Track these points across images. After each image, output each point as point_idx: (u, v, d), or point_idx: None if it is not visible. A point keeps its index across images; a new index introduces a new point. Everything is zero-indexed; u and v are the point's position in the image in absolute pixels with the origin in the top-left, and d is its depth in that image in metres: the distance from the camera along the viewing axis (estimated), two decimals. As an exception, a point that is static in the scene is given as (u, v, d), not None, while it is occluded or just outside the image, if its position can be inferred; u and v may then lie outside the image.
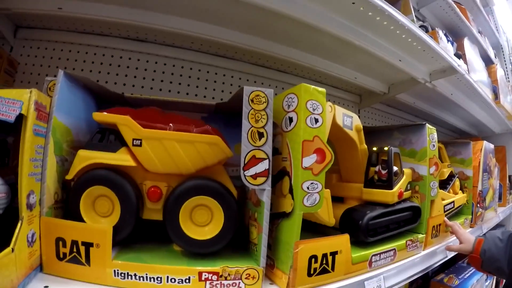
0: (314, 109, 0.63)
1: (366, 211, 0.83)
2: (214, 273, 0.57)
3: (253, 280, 0.59)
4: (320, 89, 0.65)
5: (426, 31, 1.54)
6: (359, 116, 1.67)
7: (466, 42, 2.02)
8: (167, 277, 0.56)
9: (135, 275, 0.56)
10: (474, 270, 1.73)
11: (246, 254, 0.67)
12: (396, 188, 0.90)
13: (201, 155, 0.63)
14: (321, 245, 0.67)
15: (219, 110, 0.80)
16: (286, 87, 0.99)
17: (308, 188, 0.62)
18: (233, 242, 0.66)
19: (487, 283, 1.89)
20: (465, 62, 1.82)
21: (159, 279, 0.56)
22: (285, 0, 0.93)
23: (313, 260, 0.65)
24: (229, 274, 0.58)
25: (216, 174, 0.66)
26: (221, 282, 0.57)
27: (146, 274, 0.56)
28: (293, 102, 0.64)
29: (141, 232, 0.68)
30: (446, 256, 1.18)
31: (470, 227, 1.50)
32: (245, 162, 0.60)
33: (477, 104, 2.12)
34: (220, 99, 1.12)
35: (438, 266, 1.70)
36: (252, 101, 0.61)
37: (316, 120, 0.63)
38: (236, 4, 0.89)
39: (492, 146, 1.82)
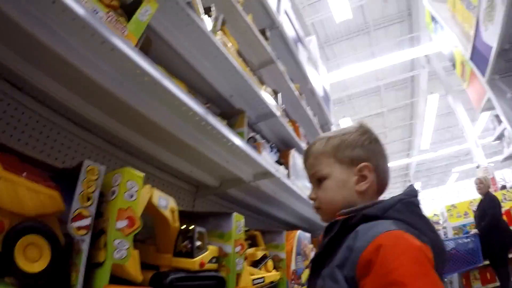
0: (131, 187, 0.96)
1: (170, 273, 1.12)
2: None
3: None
4: (139, 173, 0.98)
5: (254, 141, 2.05)
6: (193, 206, 2.04)
7: (293, 152, 2.66)
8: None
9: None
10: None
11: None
12: (197, 258, 1.20)
13: (42, 203, 0.84)
14: (126, 292, 0.93)
15: (63, 173, 1.03)
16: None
17: (118, 244, 0.90)
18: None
19: None
20: (287, 168, 2.40)
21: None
22: (141, 100, 1.26)
23: (120, 303, 0.89)
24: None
25: (50, 221, 0.87)
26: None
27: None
28: (118, 179, 0.95)
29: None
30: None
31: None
32: (73, 216, 0.86)
33: (300, 202, 2.70)
34: (62, 162, 1.32)
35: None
36: (88, 172, 0.90)
37: (131, 196, 0.95)
38: (99, 89, 1.16)
39: (308, 234, 2.37)
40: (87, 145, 1.46)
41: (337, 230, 0.88)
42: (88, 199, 0.88)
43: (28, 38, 0.93)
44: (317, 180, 1.04)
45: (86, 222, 0.87)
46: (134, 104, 1.25)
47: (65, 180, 0.94)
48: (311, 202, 1.08)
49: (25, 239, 0.80)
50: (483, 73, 4.10)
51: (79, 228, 0.86)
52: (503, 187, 8.05)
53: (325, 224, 1.04)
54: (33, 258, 0.81)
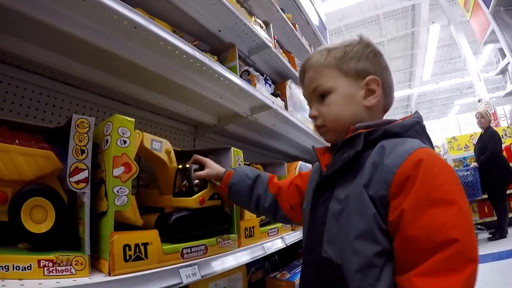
0: (123, 134, 0.96)
1: (173, 213, 1.16)
2: (49, 260, 0.80)
3: (82, 266, 0.84)
4: (129, 119, 0.98)
5: (248, 74, 2.02)
6: (194, 146, 2.06)
7: (289, 83, 2.62)
8: (13, 265, 0.75)
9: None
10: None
11: (77, 249, 0.90)
12: (196, 196, 1.22)
13: (38, 165, 0.87)
14: (132, 236, 0.96)
15: (57, 132, 1.04)
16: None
17: (117, 191, 0.93)
18: (68, 243, 0.91)
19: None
20: (284, 100, 2.40)
21: (6, 267, 0.74)
22: (124, 46, 1.23)
23: (127, 248, 0.92)
24: (61, 261, 0.81)
25: (50, 181, 0.91)
26: (56, 268, 0.80)
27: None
28: (109, 128, 0.96)
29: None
30: (265, 253, 1.51)
31: (292, 230, 1.98)
32: (70, 171, 0.87)
33: (300, 133, 2.72)
34: (57, 123, 1.34)
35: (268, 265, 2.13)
36: (78, 126, 0.90)
37: (125, 142, 0.96)
38: (80, 43, 1.14)
39: (308, 165, 2.36)
40: (79, 102, 1.47)
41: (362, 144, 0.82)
42: (82, 152, 0.89)
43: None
44: (319, 96, 0.96)
45: (84, 175, 0.89)
46: (118, 51, 1.22)
47: (60, 139, 0.96)
48: (312, 120, 1.02)
49: (29, 203, 0.83)
50: (487, 4, 3.89)
51: (78, 182, 0.88)
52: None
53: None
54: (39, 219, 0.85)
